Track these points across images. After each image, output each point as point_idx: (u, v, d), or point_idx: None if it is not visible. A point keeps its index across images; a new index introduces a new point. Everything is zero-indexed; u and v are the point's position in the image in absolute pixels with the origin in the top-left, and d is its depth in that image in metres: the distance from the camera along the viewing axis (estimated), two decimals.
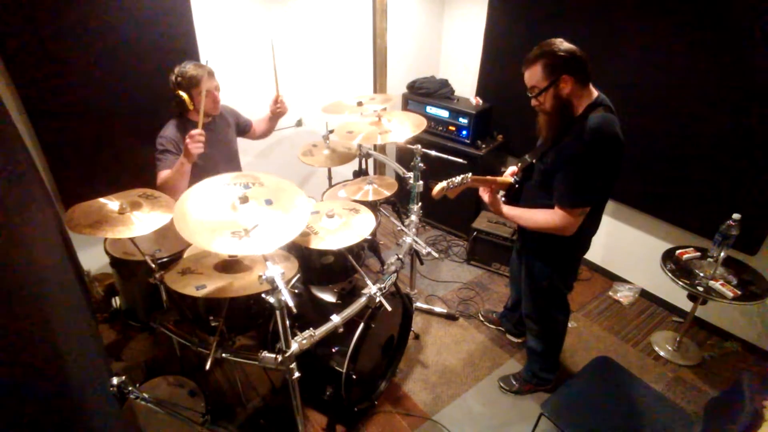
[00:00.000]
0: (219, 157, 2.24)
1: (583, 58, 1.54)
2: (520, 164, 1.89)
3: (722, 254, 2.13)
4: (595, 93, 1.61)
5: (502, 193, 1.97)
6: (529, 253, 1.95)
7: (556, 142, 1.62)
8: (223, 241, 1.22)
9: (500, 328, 2.60)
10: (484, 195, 1.83)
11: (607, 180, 1.62)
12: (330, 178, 2.83)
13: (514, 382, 2.25)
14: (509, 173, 1.99)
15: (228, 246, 1.22)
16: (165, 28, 2.24)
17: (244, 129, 2.45)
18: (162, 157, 2.06)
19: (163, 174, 2.01)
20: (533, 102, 1.64)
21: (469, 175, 1.74)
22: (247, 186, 1.40)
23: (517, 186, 1.90)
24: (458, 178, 1.71)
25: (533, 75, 1.58)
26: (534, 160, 1.80)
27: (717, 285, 2.13)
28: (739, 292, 2.09)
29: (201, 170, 2.18)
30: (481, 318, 2.68)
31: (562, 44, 1.54)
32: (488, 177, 1.86)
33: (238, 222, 1.28)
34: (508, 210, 1.80)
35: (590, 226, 1.78)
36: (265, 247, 1.24)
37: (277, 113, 2.44)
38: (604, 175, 1.59)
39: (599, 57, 2.50)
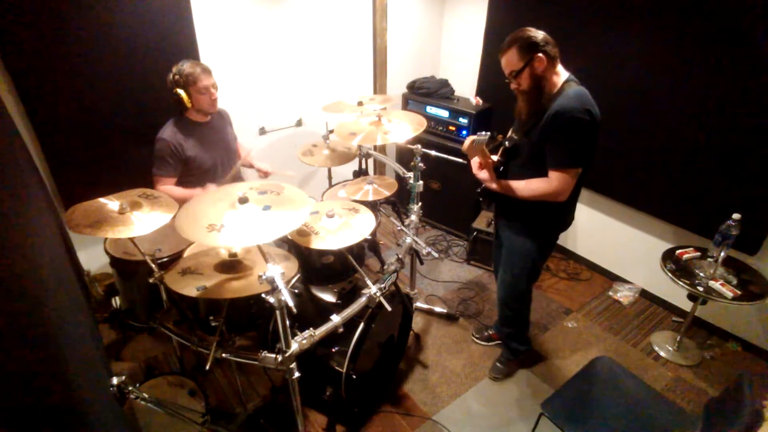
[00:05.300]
0: (217, 157, 2.24)
1: (551, 40, 1.69)
2: (502, 147, 1.94)
3: (722, 254, 2.13)
4: (566, 72, 1.74)
5: None
6: (512, 232, 2.00)
7: (540, 117, 1.70)
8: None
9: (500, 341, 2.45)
10: (480, 172, 1.90)
11: (591, 147, 1.72)
12: (330, 178, 2.83)
13: (501, 366, 2.32)
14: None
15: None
16: (165, 28, 2.24)
17: None
18: (161, 163, 2.07)
19: (171, 190, 2.07)
20: (512, 85, 1.76)
21: (488, 134, 1.78)
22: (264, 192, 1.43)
23: (501, 168, 1.95)
24: (484, 134, 1.78)
25: (509, 60, 1.71)
26: (516, 138, 1.86)
27: (717, 285, 2.13)
28: (739, 292, 2.09)
29: (198, 170, 2.19)
30: (475, 338, 2.54)
31: (531, 30, 1.70)
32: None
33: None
34: (504, 182, 1.87)
35: (570, 202, 1.85)
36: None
37: (253, 168, 2.43)
38: (591, 140, 1.69)
39: (598, 56, 2.52)
